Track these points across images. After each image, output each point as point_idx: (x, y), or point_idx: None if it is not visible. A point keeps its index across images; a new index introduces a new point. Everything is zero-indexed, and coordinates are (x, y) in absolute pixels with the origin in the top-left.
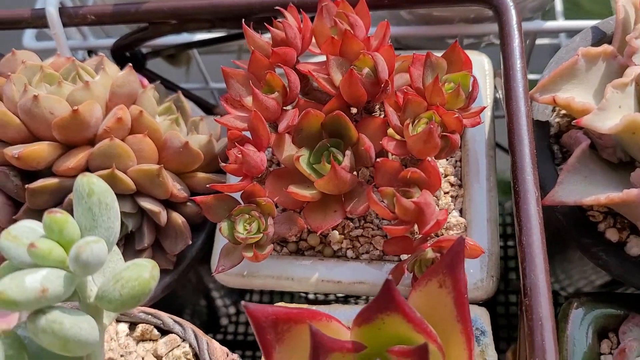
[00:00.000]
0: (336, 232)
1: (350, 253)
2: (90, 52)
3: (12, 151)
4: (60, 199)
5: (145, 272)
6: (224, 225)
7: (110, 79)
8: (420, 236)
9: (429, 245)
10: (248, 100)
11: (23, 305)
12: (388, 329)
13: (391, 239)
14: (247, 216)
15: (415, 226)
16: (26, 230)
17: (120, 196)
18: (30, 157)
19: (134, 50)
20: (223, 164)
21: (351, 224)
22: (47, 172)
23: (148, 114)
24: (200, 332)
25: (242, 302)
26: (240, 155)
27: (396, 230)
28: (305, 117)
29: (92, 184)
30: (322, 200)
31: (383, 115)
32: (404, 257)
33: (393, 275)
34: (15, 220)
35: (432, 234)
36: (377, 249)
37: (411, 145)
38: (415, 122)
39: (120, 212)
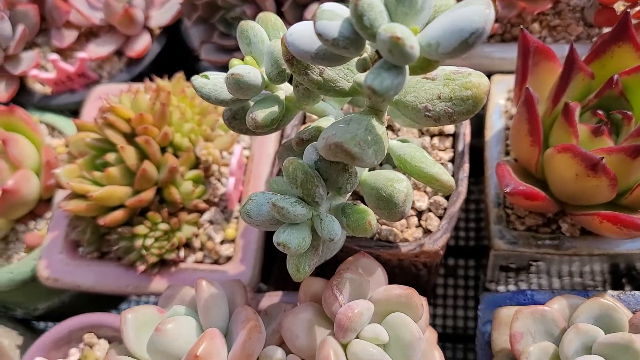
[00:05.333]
0: (535, 25)
1: (549, 40)
2: None
3: None
4: None
5: None
6: None
7: None
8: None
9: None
10: None
11: None
12: (614, 62)
13: (602, 10)
14: None
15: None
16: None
17: None
18: None
19: None
20: None
21: (548, 17)
22: None
23: None
24: None
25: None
26: None
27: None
28: None
29: None
30: None
31: None
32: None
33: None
34: (282, 12)
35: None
36: (571, 35)
37: None
38: None
39: None
